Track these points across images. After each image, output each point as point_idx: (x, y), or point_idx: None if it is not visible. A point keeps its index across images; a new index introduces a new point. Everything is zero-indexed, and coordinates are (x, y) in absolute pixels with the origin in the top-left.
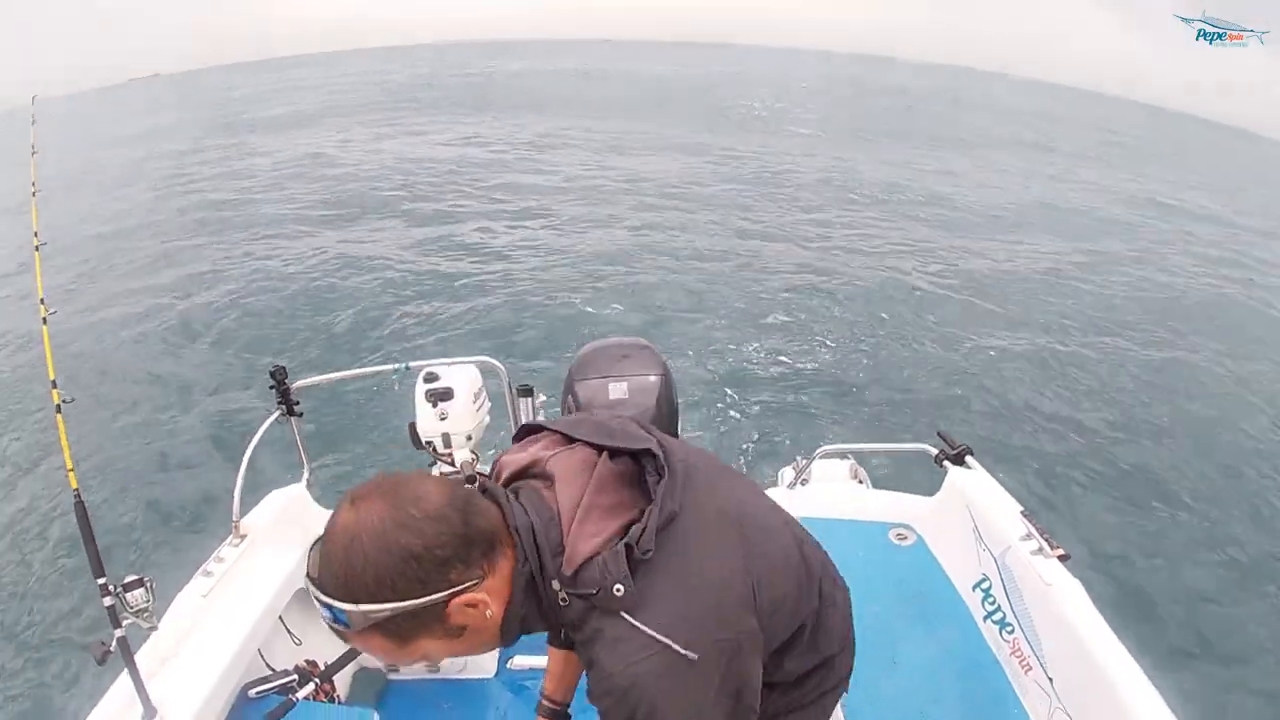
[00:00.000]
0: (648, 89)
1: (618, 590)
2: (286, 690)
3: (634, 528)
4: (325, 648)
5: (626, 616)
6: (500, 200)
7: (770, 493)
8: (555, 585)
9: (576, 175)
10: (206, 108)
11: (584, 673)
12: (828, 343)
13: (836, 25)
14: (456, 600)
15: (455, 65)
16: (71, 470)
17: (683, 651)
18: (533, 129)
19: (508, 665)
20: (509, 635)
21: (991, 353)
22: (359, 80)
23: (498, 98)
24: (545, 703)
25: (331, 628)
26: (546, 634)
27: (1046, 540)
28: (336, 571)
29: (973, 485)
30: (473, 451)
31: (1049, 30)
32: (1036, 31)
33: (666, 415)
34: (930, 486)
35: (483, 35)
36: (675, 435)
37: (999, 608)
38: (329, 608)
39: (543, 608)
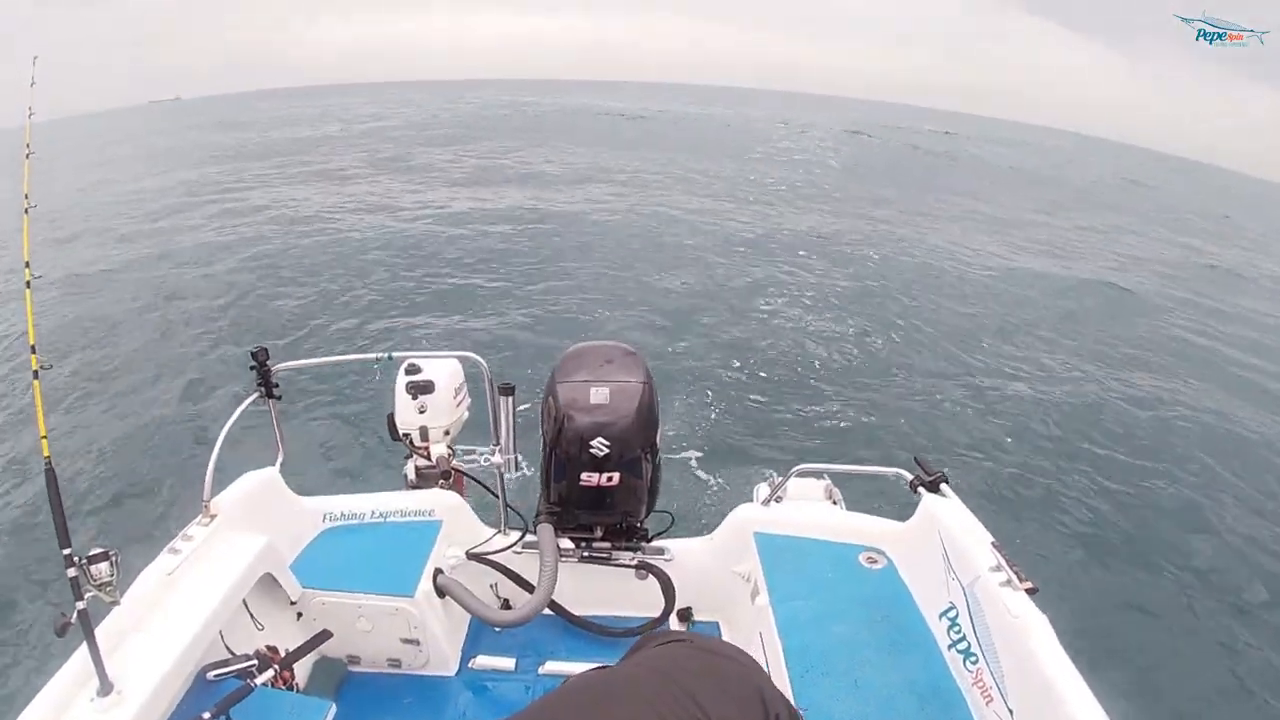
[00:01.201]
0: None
1: None
2: (245, 675)
3: None
4: (287, 634)
5: None
6: (503, 200)
7: (744, 508)
8: None
9: (584, 197)
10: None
11: None
12: (813, 363)
13: (851, 73)
14: None
15: (467, 100)
16: (45, 437)
17: None
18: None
19: (469, 664)
20: None
21: (978, 387)
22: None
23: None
24: None
25: None
26: (510, 633)
27: (1016, 572)
28: None
29: (946, 513)
30: (449, 447)
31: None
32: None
33: (646, 423)
34: (903, 512)
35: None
36: (654, 445)
37: (964, 637)
38: None
39: None
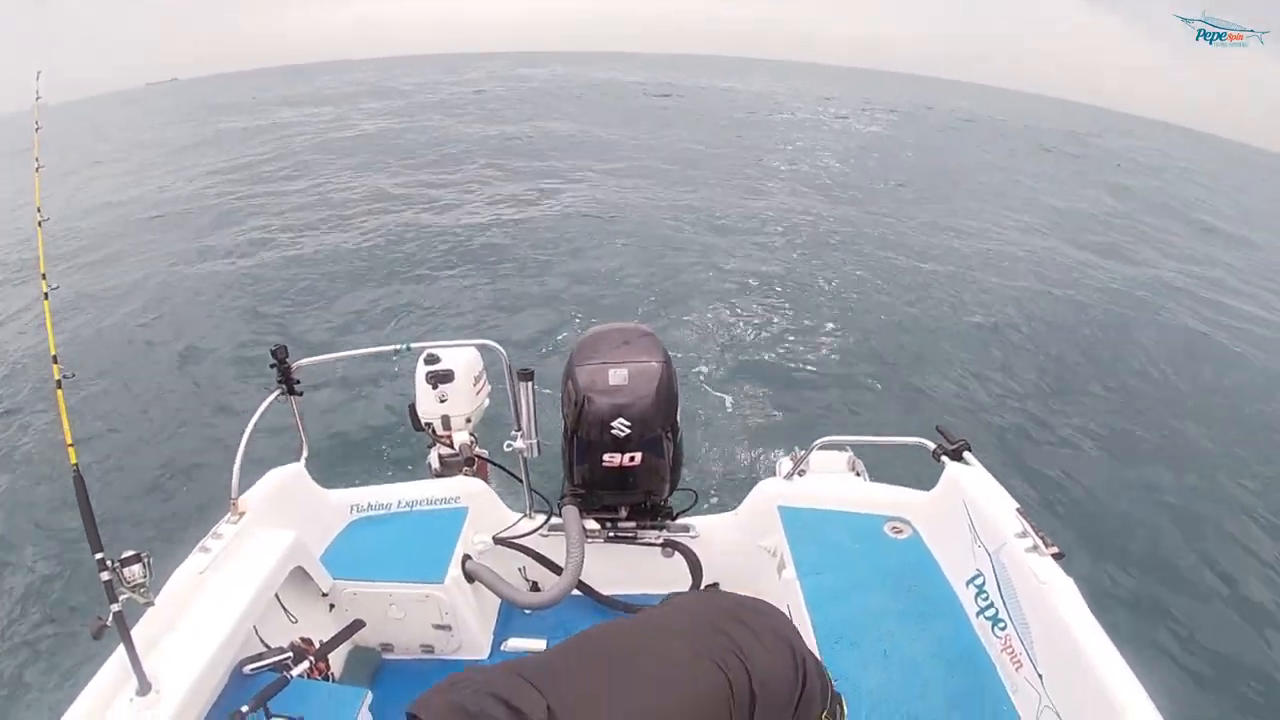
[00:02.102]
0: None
1: None
2: (281, 667)
3: None
4: (320, 626)
5: None
6: (509, 186)
7: (767, 483)
8: None
9: (588, 175)
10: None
11: None
12: (831, 336)
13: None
14: None
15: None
16: (71, 445)
17: None
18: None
19: (501, 647)
20: None
21: (997, 351)
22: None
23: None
24: None
25: None
26: (540, 615)
27: (1041, 538)
28: None
29: (970, 481)
30: (471, 434)
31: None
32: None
33: (666, 402)
34: (927, 481)
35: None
36: (674, 423)
37: (992, 604)
38: None
39: None
